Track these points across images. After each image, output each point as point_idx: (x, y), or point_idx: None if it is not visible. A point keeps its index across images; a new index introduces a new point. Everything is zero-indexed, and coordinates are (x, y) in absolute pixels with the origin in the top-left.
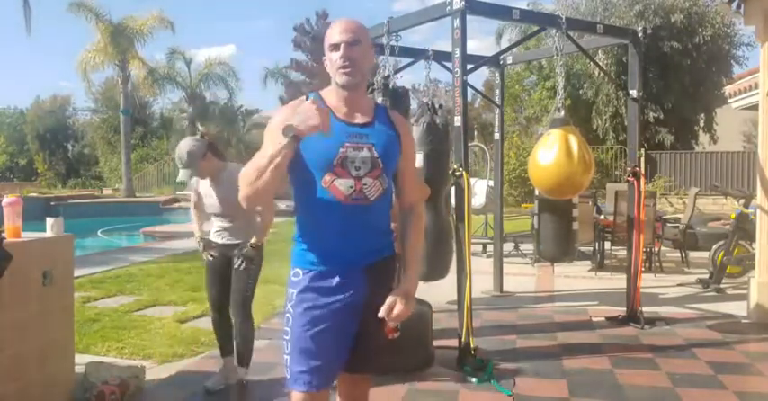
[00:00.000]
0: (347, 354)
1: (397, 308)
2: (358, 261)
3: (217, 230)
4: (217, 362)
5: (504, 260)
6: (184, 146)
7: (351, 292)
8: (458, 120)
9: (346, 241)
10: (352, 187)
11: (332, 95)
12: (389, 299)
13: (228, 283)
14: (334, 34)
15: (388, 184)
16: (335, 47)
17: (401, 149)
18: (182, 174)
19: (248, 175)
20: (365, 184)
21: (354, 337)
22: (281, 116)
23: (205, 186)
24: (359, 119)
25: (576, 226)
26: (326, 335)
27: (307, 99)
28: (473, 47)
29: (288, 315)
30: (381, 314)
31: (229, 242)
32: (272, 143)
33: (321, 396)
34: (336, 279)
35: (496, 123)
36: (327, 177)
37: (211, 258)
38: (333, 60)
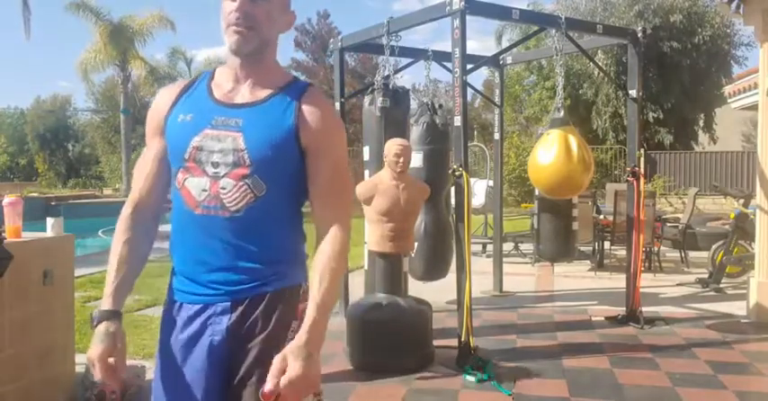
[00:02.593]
0: None
1: (291, 371)
2: (221, 291)
3: None
4: None
5: (504, 260)
6: None
7: (206, 338)
8: (458, 120)
9: (203, 265)
10: (205, 191)
11: (224, 69)
12: (277, 358)
13: None
14: None
15: (268, 191)
16: None
17: (300, 145)
18: None
19: (114, 236)
20: (223, 188)
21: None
22: (157, 99)
23: None
24: (241, 97)
25: (575, 225)
26: (171, 389)
27: (198, 75)
28: (473, 47)
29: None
30: (267, 386)
31: None
32: (147, 139)
33: None
34: (191, 316)
35: (496, 123)
36: (180, 175)
37: None
38: (225, 13)
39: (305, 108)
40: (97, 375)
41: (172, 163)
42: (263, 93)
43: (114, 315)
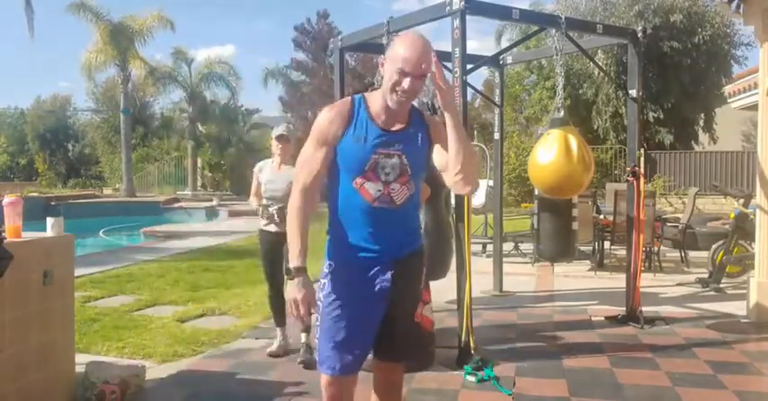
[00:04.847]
0: (373, 340)
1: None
2: (386, 254)
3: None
4: (218, 362)
5: (504, 260)
6: (284, 126)
7: (378, 283)
8: None
9: (375, 237)
10: (380, 191)
11: (375, 101)
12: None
13: (280, 262)
14: (412, 61)
15: (415, 189)
16: (405, 73)
17: (430, 151)
18: (280, 128)
19: (289, 216)
20: (393, 189)
21: (381, 325)
22: (322, 117)
23: (267, 174)
24: (394, 126)
25: (575, 225)
26: (352, 323)
27: (353, 102)
28: (473, 47)
29: (319, 303)
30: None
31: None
32: (313, 144)
33: (347, 380)
34: (365, 270)
35: (496, 123)
36: (359, 180)
37: (267, 219)
38: (396, 82)
39: (431, 128)
40: (298, 312)
41: (348, 169)
42: (405, 121)
43: (305, 270)
